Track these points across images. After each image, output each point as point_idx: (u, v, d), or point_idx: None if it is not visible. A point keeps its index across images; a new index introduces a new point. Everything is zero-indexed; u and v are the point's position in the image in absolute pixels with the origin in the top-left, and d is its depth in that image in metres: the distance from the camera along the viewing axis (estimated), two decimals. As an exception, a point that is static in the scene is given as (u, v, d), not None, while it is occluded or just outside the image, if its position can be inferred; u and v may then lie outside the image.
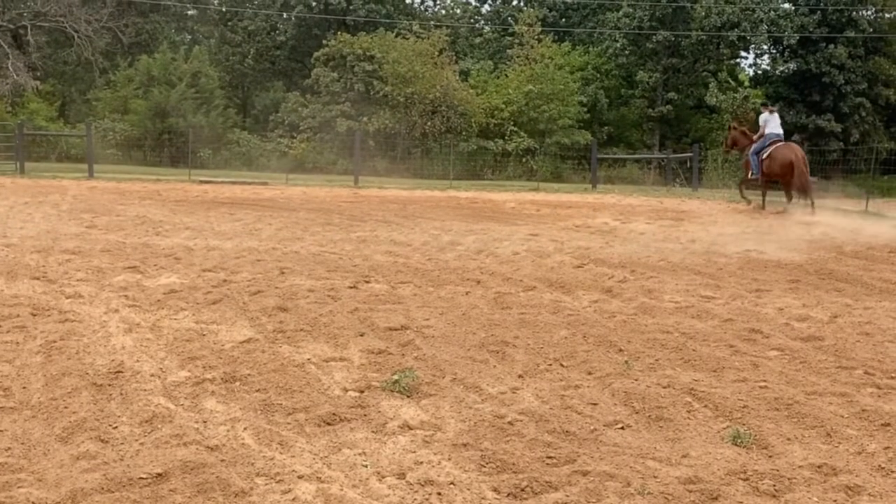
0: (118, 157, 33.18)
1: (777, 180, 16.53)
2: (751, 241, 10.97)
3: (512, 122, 35.99)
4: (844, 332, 5.80)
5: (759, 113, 18.21)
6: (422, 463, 3.38)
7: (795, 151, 16.21)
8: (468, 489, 3.15)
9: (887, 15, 40.92)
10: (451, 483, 3.20)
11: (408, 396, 4.20)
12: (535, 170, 32.83)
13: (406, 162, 33.98)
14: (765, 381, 4.54)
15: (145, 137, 35.05)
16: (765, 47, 42.14)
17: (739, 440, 3.67)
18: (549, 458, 3.43)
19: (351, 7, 41.80)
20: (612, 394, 4.32)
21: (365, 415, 3.92)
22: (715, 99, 36.66)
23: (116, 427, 3.68)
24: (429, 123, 35.04)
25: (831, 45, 38.44)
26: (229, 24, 44.78)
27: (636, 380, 4.53)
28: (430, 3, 51.37)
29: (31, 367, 4.56)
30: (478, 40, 45.42)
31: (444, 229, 11.97)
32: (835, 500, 3.13)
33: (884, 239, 11.55)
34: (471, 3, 48.50)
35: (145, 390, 4.17)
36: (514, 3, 47.02)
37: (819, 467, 3.39)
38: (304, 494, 3.05)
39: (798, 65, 39.89)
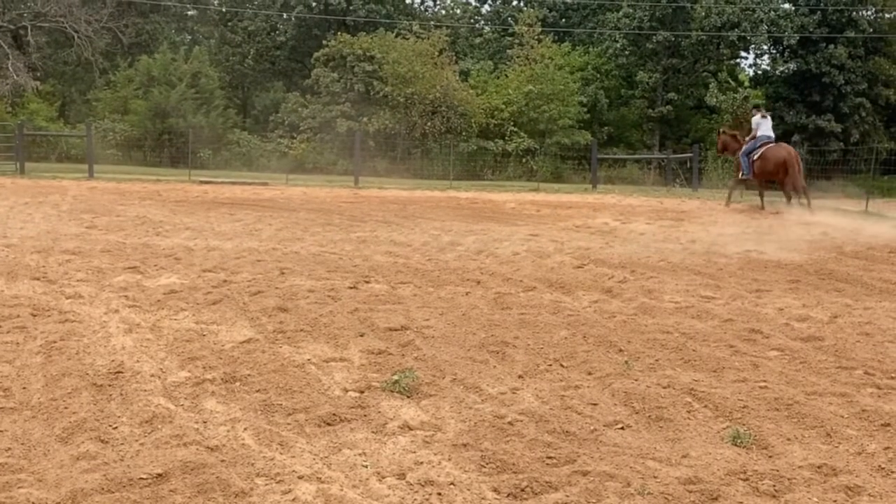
0: (118, 157, 33.19)
1: (772, 180, 16.60)
2: (751, 241, 10.97)
3: (512, 123, 35.99)
4: (844, 333, 5.80)
5: (751, 115, 18.33)
6: (422, 463, 3.38)
7: (788, 150, 16.34)
8: (468, 489, 3.16)
9: (887, 15, 40.91)
10: (452, 483, 3.20)
11: (408, 397, 4.20)
12: (536, 170, 32.84)
13: (406, 162, 33.99)
14: (765, 381, 4.54)
15: (145, 138, 35.06)
16: (765, 47, 42.14)
17: (739, 440, 3.67)
18: (550, 458, 3.43)
19: (351, 7, 41.81)
20: (612, 394, 4.32)
21: (365, 415, 3.93)
22: (715, 99, 36.67)
23: (116, 427, 3.68)
24: (429, 124, 35.04)
25: (831, 46, 38.43)
26: (229, 24, 44.79)
27: (636, 380, 4.53)
28: (430, 4, 51.43)
29: (31, 368, 4.56)
30: (478, 40, 45.43)
31: (445, 230, 11.97)
32: (835, 501, 3.13)
33: (884, 239, 11.55)
34: (471, 4, 48.52)
35: (145, 391, 4.17)
36: (514, 3, 47.02)
37: (819, 467, 3.39)
38: (305, 495, 3.05)
39: (798, 65, 39.88)
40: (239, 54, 44.42)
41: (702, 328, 5.83)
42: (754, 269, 8.69)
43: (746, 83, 44.01)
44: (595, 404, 4.15)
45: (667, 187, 27.69)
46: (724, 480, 3.28)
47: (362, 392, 4.26)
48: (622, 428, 3.85)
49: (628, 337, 5.53)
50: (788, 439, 3.72)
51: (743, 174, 16.88)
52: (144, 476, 3.15)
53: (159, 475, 3.16)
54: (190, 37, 48.70)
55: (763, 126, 16.61)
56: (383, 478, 3.25)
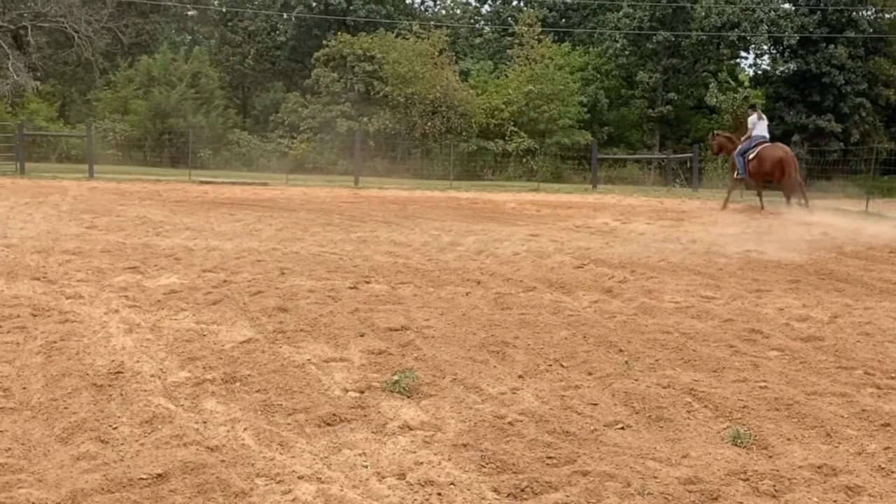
0: (118, 157, 33.20)
1: (769, 180, 16.61)
2: (751, 241, 10.97)
3: (512, 123, 35.99)
4: (844, 333, 5.80)
5: (747, 115, 18.37)
6: (422, 463, 3.38)
7: (785, 150, 16.39)
8: (468, 489, 3.16)
9: (887, 15, 40.91)
10: (452, 483, 3.20)
11: (408, 397, 4.20)
12: (536, 170, 32.84)
13: (406, 162, 33.99)
14: (765, 381, 4.54)
15: (145, 138, 35.06)
16: (765, 47, 42.14)
17: (739, 440, 3.67)
18: (550, 458, 3.43)
19: (351, 7, 41.81)
20: (612, 394, 4.32)
21: (365, 415, 3.92)
22: (715, 99, 36.68)
23: (116, 427, 3.68)
24: (429, 124, 35.05)
25: (831, 46, 38.43)
26: (229, 24, 44.80)
27: (636, 380, 4.53)
28: (430, 4, 51.45)
29: (31, 368, 4.56)
30: (478, 41, 45.43)
31: (445, 230, 11.97)
32: (835, 501, 3.13)
33: (884, 239, 11.55)
34: (471, 4, 48.52)
35: (145, 391, 4.17)
36: (514, 3, 47.03)
37: (819, 468, 3.39)
38: (305, 495, 3.05)
39: (798, 65, 39.88)
40: (239, 54, 44.42)
41: (702, 328, 5.83)
42: (754, 269, 8.70)
43: (746, 83, 44.01)
44: (595, 404, 4.15)
45: (667, 187, 27.70)
46: (724, 480, 3.28)
47: (362, 392, 4.26)
48: (622, 428, 3.85)
49: (628, 337, 5.53)
50: (788, 439, 3.72)
51: (738, 174, 16.92)
52: (144, 476, 3.15)
53: (159, 475, 3.16)
54: (190, 37, 48.71)
55: (759, 126, 16.66)
56: (383, 478, 3.25)
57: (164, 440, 3.51)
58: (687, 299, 6.92)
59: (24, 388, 4.23)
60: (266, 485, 3.15)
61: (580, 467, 3.33)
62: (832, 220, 14.08)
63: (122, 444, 3.50)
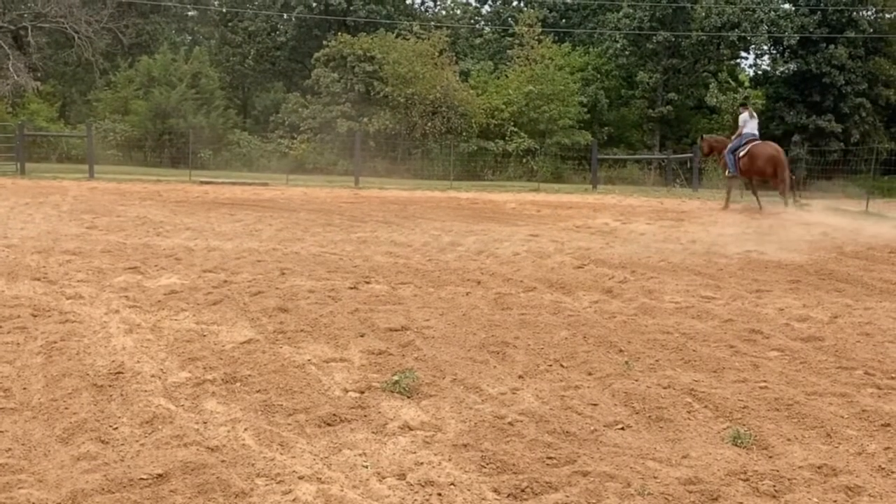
0: (119, 157, 33.20)
1: (763, 177, 16.60)
2: (751, 241, 10.97)
3: (512, 123, 35.99)
4: (845, 333, 5.80)
5: (738, 112, 18.40)
6: (422, 464, 3.38)
7: (775, 147, 16.41)
8: (468, 490, 3.16)
9: (887, 15, 40.90)
10: (452, 484, 3.20)
11: (408, 397, 4.20)
12: (536, 170, 32.84)
13: (406, 163, 33.99)
14: (765, 381, 4.55)
15: (146, 138, 35.06)
16: (765, 48, 42.14)
17: (739, 441, 3.67)
18: (550, 458, 3.43)
19: (351, 8, 41.81)
20: (612, 394, 4.32)
21: (365, 415, 3.93)
22: (715, 99, 36.68)
23: (117, 428, 3.68)
24: (429, 124, 35.04)
25: (831, 46, 38.43)
26: (229, 24, 44.79)
27: (636, 380, 4.53)
28: (431, 4, 51.43)
29: (31, 368, 4.57)
30: (478, 41, 45.43)
31: (445, 230, 11.97)
32: (835, 501, 3.13)
33: (884, 239, 11.56)
34: (471, 4, 48.52)
35: (146, 391, 4.17)
36: (515, 3, 47.03)
37: (819, 468, 3.39)
38: (305, 495, 3.05)
39: (798, 65, 39.87)
40: (239, 55, 44.42)
41: (702, 328, 5.83)
42: (754, 269, 8.70)
43: (747, 83, 44.00)
44: (595, 405, 4.15)
45: (667, 187, 27.70)
46: (724, 481, 3.28)
47: (362, 392, 4.26)
48: (622, 428, 3.85)
49: (628, 337, 5.53)
50: (788, 439, 3.72)
51: (729, 172, 16.94)
52: (145, 476, 3.15)
53: (160, 475, 3.16)
54: (190, 37, 48.71)
55: (749, 124, 16.70)
56: (383, 478, 3.25)
57: (165, 440, 3.51)
58: (687, 299, 6.92)
59: (25, 389, 4.23)
60: (266, 485, 3.15)
61: (580, 467, 3.33)
62: (832, 221, 14.08)
63: (123, 444, 3.50)
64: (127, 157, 34.19)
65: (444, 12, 48.77)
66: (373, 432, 3.72)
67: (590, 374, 4.70)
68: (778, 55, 41.90)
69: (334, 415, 3.88)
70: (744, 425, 3.87)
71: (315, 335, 5.39)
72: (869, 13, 40.03)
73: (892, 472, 3.39)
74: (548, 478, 3.23)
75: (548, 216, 15.27)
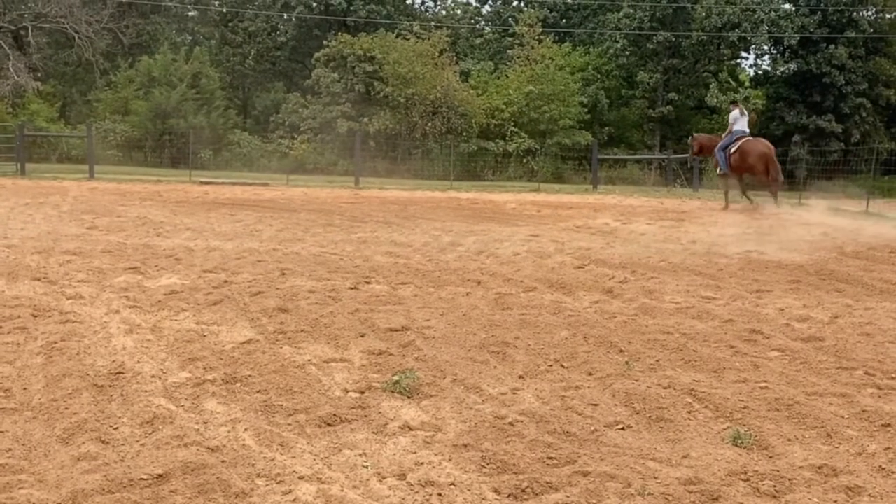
0: (119, 158, 33.21)
1: (753, 174, 16.58)
2: (751, 241, 10.97)
3: (512, 123, 36.00)
4: (845, 333, 5.80)
5: (729, 110, 18.41)
6: (422, 464, 3.38)
7: (766, 144, 16.42)
8: (469, 490, 3.16)
9: (888, 15, 40.91)
10: (452, 484, 3.20)
11: (408, 397, 4.20)
12: (536, 170, 32.84)
13: (407, 163, 33.99)
14: (765, 381, 4.54)
15: (146, 138, 35.07)
16: (765, 48, 42.15)
17: (740, 441, 3.67)
18: (550, 458, 3.43)
19: (351, 8, 41.82)
20: (612, 394, 4.32)
21: (365, 416, 3.93)
22: (716, 99, 36.69)
23: (117, 428, 3.68)
24: (429, 124, 35.05)
25: (832, 46, 38.43)
26: (230, 24, 44.80)
27: (637, 380, 4.53)
28: (431, 4, 51.46)
29: (31, 369, 4.57)
30: (478, 41, 45.44)
31: (445, 230, 11.97)
32: (835, 501, 3.13)
33: (885, 239, 11.55)
34: (471, 4, 48.55)
35: (146, 391, 4.17)
36: (515, 3, 47.03)
37: (819, 468, 3.39)
38: (305, 495, 3.05)
39: (799, 65, 39.88)
40: (239, 55, 44.43)
41: (702, 329, 5.83)
42: (755, 269, 8.69)
43: (747, 83, 44.02)
44: (596, 405, 4.15)
45: (667, 188, 27.71)
46: (724, 481, 3.28)
47: (363, 392, 4.26)
48: (623, 428, 3.85)
49: (629, 337, 5.53)
50: (789, 440, 3.72)
51: (720, 170, 16.95)
52: (145, 476, 3.15)
53: (160, 476, 3.16)
54: (190, 37, 48.73)
55: (740, 121, 16.71)
56: (384, 478, 3.25)
57: (165, 440, 3.51)
58: (687, 300, 6.92)
59: (25, 389, 4.23)
60: (266, 485, 3.15)
61: (581, 468, 3.33)
62: (833, 221, 14.08)
63: (123, 444, 3.50)
64: (127, 157, 34.20)
65: (444, 12, 48.79)
66: (373, 432, 3.72)
67: (590, 374, 4.70)
68: (778, 55, 41.92)
69: (334, 415, 3.88)
70: (744, 425, 3.87)
71: (315, 335, 5.39)
72: (869, 13, 40.05)
73: (893, 473, 3.39)
74: (548, 478, 3.23)
75: (548, 216, 15.27)
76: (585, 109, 38.25)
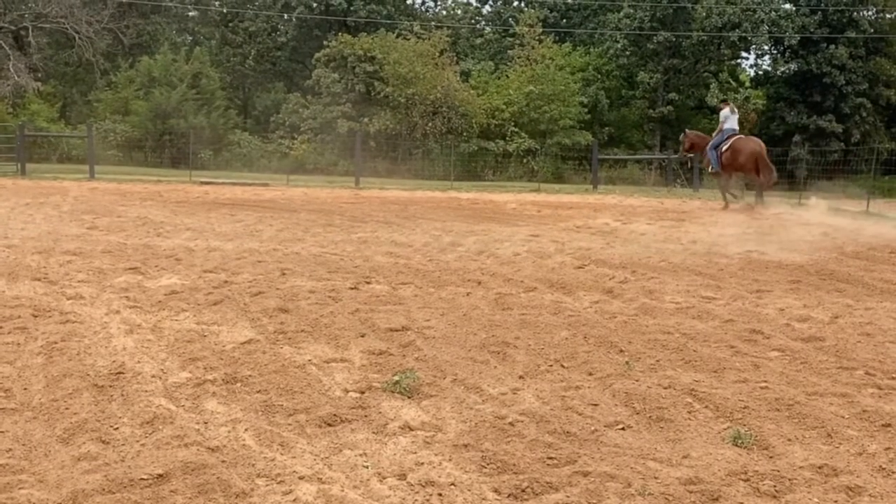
0: (119, 158, 33.21)
1: (744, 172, 16.58)
2: (752, 241, 10.97)
3: (513, 123, 35.99)
4: (845, 333, 5.80)
5: (720, 108, 18.42)
6: (422, 464, 3.38)
7: (758, 142, 16.44)
8: (469, 490, 3.16)
9: (888, 15, 40.90)
10: (452, 484, 3.20)
11: (408, 397, 4.20)
12: (536, 170, 32.83)
13: (407, 163, 33.99)
14: (766, 381, 4.54)
15: (146, 139, 35.07)
16: (766, 48, 42.14)
17: (740, 441, 3.67)
18: (550, 458, 3.43)
19: (352, 8, 41.81)
20: (612, 394, 4.32)
21: (366, 416, 3.93)
22: (716, 100, 36.60)
23: (117, 428, 3.68)
24: (430, 124, 35.04)
25: (832, 46, 38.42)
26: (230, 25, 44.80)
27: (637, 380, 4.53)
28: (431, 4, 51.43)
29: (32, 369, 4.57)
30: (479, 41, 45.43)
31: (445, 230, 11.97)
32: (835, 501, 3.13)
33: (885, 239, 11.55)
34: (471, 4, 48.55)
35: (146, 391, 4.17)
36: (515, 3, 47.03)
37: (820, 468, 3.39)
38: (305, 495, 3.05)
39: (799, 65, 39.88)
40: (240, 55, 44.43)
41: (703, 329, 5.83)
42: (755, 269, 8.69)
43: (747, 83, 44.01)
44: (596, 405, 4.15)
45: (668, 188, 27.70)
46: (724, 481, 3.28)
47: (363, 393, 4.26)
48: (623, 428, 3.85)
49: (629, 337, 5.53)
50: (789, 440, 3.72)
51: (712, 168, 16.96)
52: (145, 476, 3.15)
53: (160, 476, 3.16)
54: (191, 37, 48.70)
55: (730, 119, 16.75)
56: (384, 478, 3.25)
57: (165, 441, 3.51)
58: (688, 300, 6.92)
59: (25, 389, 4.23)
60: (267, 485, 3.15)
61: (581, 468, 3.33)
62: (833, 221, 14.08)
63: (123, 444, 3.50)
64: (127, 157, 34.19)
65: (444, 12, 48.78)
66: (373, 432, 3.72)
67: (590, 374, 4.70)
68: (779, 55, 41.92)
69: (335, 415, 3.88)
70: (744, 425, 3.87)
71: (315, 335, 5.39)
72: (870, 13, 40.04)
73: (893, 473, 3.39)
74: (548, 478, 3.23)
75: (548, 216, 15.27)
76: (586, 109, 38.24)
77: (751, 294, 7.24)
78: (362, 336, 5.38)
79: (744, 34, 38.71)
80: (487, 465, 3.38)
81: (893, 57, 40.12)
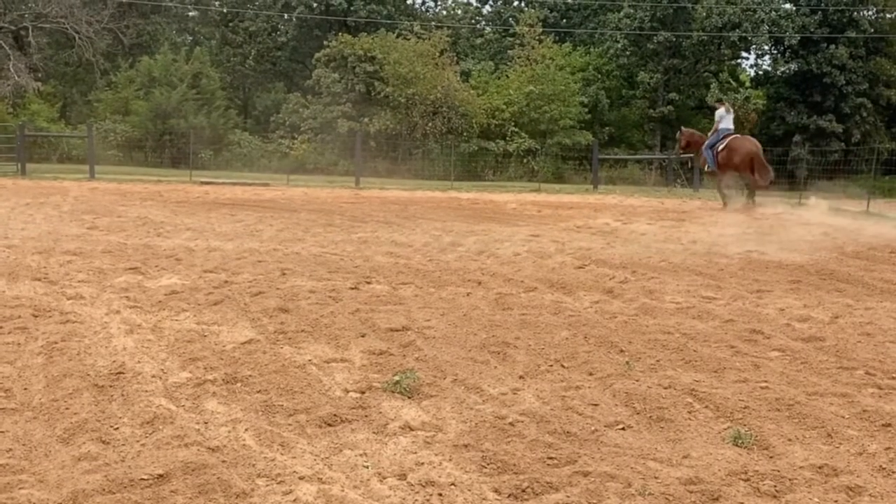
0: (119, 158, 33.22)
1: (739, 172, 16.56)
2: (752, 241, 10.97)
3: (513, 123, 36.00)
4: (845, 333, 5.80)
5: (716, 108, 18.43)
6: (423, 464, 3.38)
7: (754, 142, 16.44)
8: (469, 490, 3.16)
9: (888, 15, 40.92)
10: (452, 484, 3.20)
11: (409, 397, 4.20)
12: (537, 170, 32.83)
13: (407, 163, 33.99)
14: (766, 381, 4.54)
15: (146, 138, 35.08)
16: (766, 48, 42.15)
17: (740, 441, 3.67)
18: (550, 458, 3.43)
19: (352, 8, 41.82)
20: (613, 394, 4.32)
21: (366, 416, 3.93)
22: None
23: (118, 428, 3.68)
24: (430, 124, 35.05)
25: (832, 46, 38.43)
26: (230, 25, 44.81)
27: (637, 380, 4.53)
28: (431, 4, 51.44)
29: (32, 369, 4.57)
30: (479, 41, 45.44)
31: (446, 230, 11.97)
32: (836, 501, 3.13)
33: (885, 239, 11.55)
34: (472, 4, 48.56)
35: (146, 391, 4.17)
36: (515, 3, 47.04)
37: (820, 468, 3.39)
38: (305, 495, 3.05)
39: (799, 65, 39.89)
40: (240, 55, 44.44)
41: (703, 329, 5.83)
42: (755, 269, 8.69)
43: (748, 83, 44.02)
44: (596, 405, 4.15)
45: (668, 188, 27.70)
46: (725, 481, 3.28)
47: (363, 393, 4.26)
48: (623, 428, 3.85)
49: (629, 337, 5.53)
50: (789, 440, 3.72)
51: (708, 167, 16.96)
52: (145, 477, 3.15)
53: (160, 476, 3.16)
54: (191, 37, 48.71)
55: (726, 119, 16.76)
56: (384, 478, 3.25)
57: (166, 441, 3.51)
58: (688, 300, 6.91)
59: (26, 389, 4.23)
60: (267, 485, 3.15)
61: (581, 468, 3.33)
62: (833, 221, 14.08)
63: (124, 444, 3.50)
64: (127, 157, 34.20)
65: (444, 12, 48.79)
66: (373, 432, 3.72)
67: (591, 374, 4.70)
68: (779, 55, 41.93)
69: (335, 415, 3.88)
70: (745, 425, 3.87)
71: (316, 335, 5.39)
72: (870, 13, 40.06)
73: (893, 473, 3.39)
74: (548, 478, 3.23)
75: (548, 216, 15.26)
76: (586, 109, 38.25)
77: (751, 294, 7.24)
78: (362, 336, 5.38)
79: (744, 34, 38.72)
80: (488, 465, 3.38)
81: (894, 57, 40.14)
